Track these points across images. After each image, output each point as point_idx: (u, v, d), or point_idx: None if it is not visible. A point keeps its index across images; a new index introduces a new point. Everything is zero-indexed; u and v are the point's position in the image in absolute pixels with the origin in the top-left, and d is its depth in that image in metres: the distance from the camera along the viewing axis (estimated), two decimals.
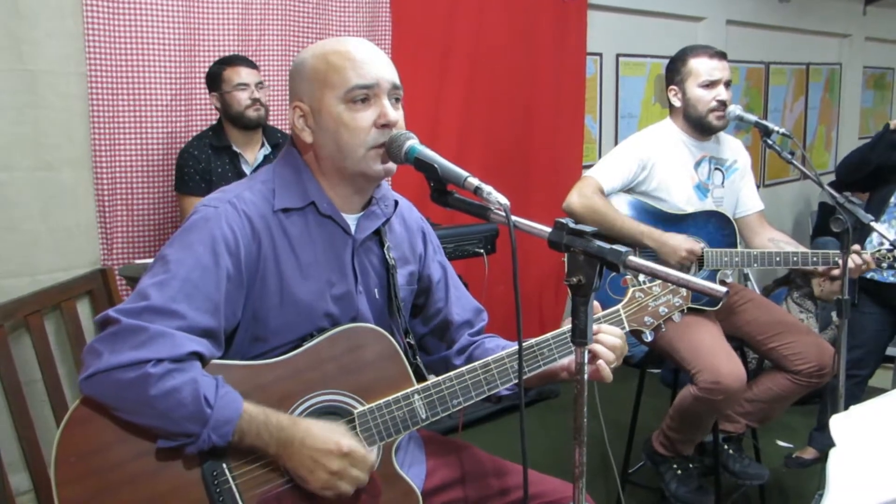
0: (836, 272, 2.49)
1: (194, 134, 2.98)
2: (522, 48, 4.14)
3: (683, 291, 1.68)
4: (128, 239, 2.88)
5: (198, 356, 1.33)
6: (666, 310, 1.67)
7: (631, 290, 1.67)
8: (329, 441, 1.34)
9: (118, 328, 1.28)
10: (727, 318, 2.71)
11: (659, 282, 1.66)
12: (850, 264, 2.36)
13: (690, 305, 1.72)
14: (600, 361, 1.48)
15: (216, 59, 2.95)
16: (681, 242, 2.49)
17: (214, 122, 2.94)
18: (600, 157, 3.47)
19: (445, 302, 1.69)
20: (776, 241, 2.72)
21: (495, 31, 3.98)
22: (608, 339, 1.51)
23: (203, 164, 2.79)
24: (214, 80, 2.85)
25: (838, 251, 2.39)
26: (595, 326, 1.53)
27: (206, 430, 1.29)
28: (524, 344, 1.53)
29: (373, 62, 1.44)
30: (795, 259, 2.51)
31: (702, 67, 2.61)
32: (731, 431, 2.81)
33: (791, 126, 6.38)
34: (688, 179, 2.66)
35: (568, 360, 1.55)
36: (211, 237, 1.37)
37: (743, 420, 2.77)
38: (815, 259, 2.51)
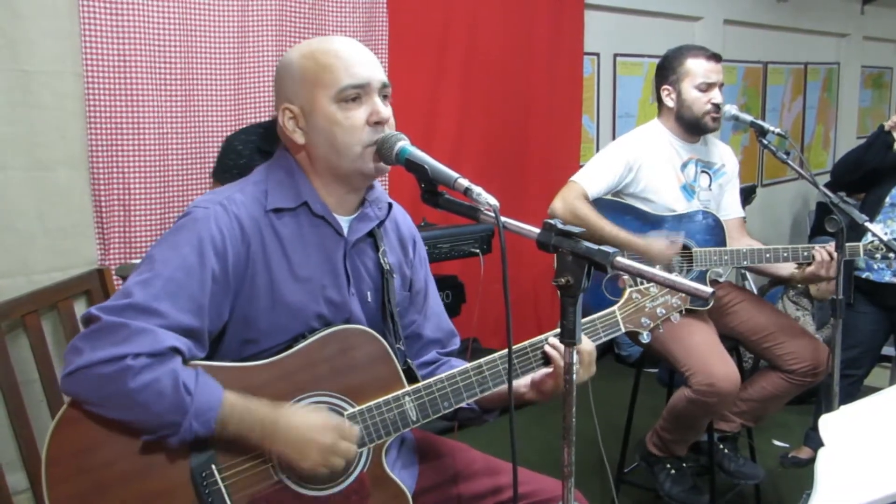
0: (810, 269, 2.49)
1: (191, 135, 2.98)
2: (519, 48, 4.14)
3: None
4: (124, 239, 2.88)
5: (178, 352, 1.32)
6: (663, 311, 1.66)
7: (628, 290, 1.66)
8: (315, 417, 1.37)
9: (99, 325, 1.28)
10: (721, 319, 2.72)
11: None
12: (818, 257, 2.37)
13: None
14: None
15: (213, 59, 2.95)
16: (662, 245, 2.46)
17: (268, 120, 2.85)
18: None
19: (421, 315, 1.69)
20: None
21: (492, 30, 3.98)
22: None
23: (244, 160, 2.75)
24: None
25: (827, 243, 2.41)
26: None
27: (187, 419, 1.28)
28: (516, 347, 1.53)
29: (362, 62, 1.45)
30: (786, 254, 2.52)
31: (699, 69, 2.60)
32: (727, 430, 2.82)
33: (789, 125, 6.38)
34: (675, 180, 2.66)
35: (531, 377, 1.57)
36: (198, 238, 1.37)
37: (738, 419, 2.78)
38: (805, 253, 2.51)
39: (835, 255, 2.41)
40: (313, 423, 1.36)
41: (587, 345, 1.54)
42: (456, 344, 1.75)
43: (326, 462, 1.35)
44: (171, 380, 1.28)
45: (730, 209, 2.81)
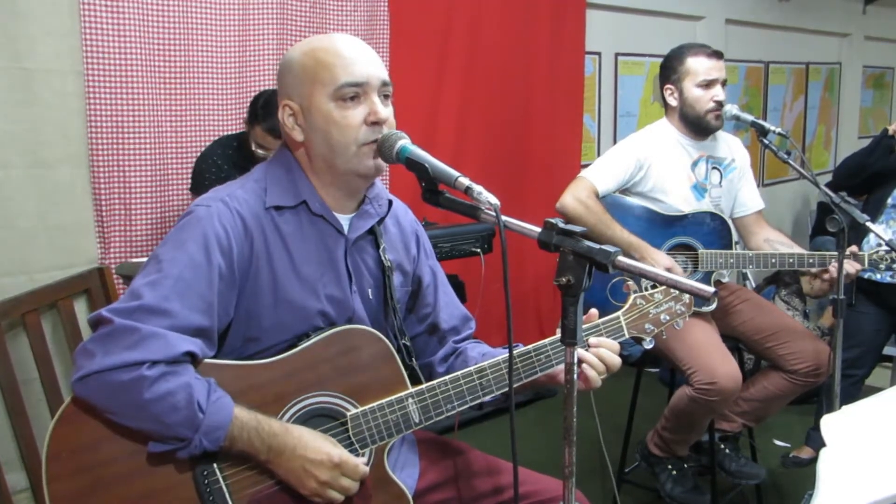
0: (826, 276, 2.50)
1: (190, 133, 2.97)
2: (521, 47, 4.14)
3: (686, 298, 1.65)
4: (125, 237, 2.88)
5: (191, 356, 1.33)
6: (668, 317, 1.65)
7: (632, 296, 1.64)
8: (320, 451, 1.35)
9: (111, 329, 1.28)
10: (723, 318, 2.71)
11: (661, 288, 1.63)
12: (851, 269, 2.37)
13: None
14: (584, 366, 1.49)
15: (214, 57, 2.95)
16: (663, 260, 2.46)
17: (240, 132, 2.88)
18: (599, 156, 3.46)
19: (434, 307, 1.69)
20: (771, 242, 2.71)
21: (493, 30, 3.98)
22: (605, 353, 1.51)
23: (224, 174, 2.77)
24: (252, 117, 2.72)
25: (835, 254, 2.39)
26: (595, 340, 1.53)
27: (197, 436, 1.29)
28: (520, 350, 1.53)
29: (362, 60, 1.44)
30: (791, 261, 2.51)
31: (700, 67, 2.60)
32: (728, 430, 2.81)
33: (790, 125, 6.37)
34: (685, 180, 2.65)
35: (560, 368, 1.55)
36: (203, 236, 1.37)
37: (739, 419, 2.77)
38: (811, 261, 2.50)
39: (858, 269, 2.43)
40: (318, 458, 1.35)
41: (614, 360, 1.52)
42: (471, 328, 1.74)
43: (321, 494, 1.36)
44: (186, 394, 1.28)
45: (748, 203, 2.79)
